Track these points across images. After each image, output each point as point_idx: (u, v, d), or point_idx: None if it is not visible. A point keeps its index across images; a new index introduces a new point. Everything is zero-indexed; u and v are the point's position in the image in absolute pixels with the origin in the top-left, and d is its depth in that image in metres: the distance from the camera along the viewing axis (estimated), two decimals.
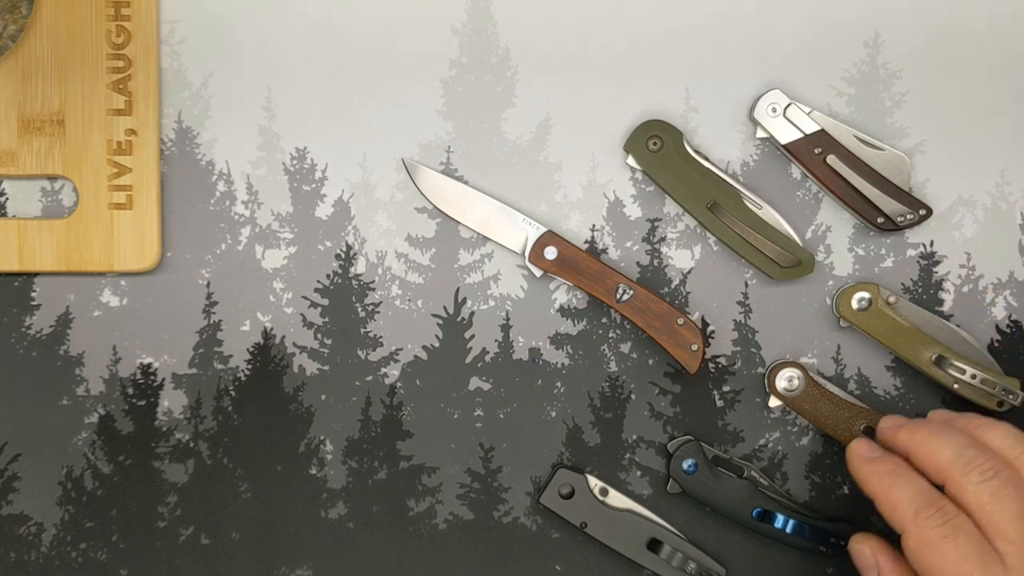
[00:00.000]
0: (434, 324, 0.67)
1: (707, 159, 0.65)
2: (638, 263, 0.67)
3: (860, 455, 0.59)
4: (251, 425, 0.67)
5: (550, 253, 0.65)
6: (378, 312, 0.67)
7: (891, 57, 0.67)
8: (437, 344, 0.67)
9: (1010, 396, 0.65)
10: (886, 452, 0.59)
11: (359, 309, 0.67)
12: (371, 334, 0.67)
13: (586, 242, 0.67)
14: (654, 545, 0.66)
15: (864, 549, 0.59)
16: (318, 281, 0.67)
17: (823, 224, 0.67)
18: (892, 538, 0.57)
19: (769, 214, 0.65)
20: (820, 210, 0.67)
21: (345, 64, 0.66)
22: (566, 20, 0.66)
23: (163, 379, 0.66)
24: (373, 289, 0.67)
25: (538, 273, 0.66)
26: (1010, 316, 0.67)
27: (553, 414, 0.67)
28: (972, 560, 0.54)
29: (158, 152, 0.65)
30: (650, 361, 0.67)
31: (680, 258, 0.67)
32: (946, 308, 0.67)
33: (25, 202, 0.66)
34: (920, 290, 0.67)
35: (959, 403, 0.66)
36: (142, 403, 0.66)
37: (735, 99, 0.67)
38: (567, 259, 0.65)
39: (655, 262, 0.67)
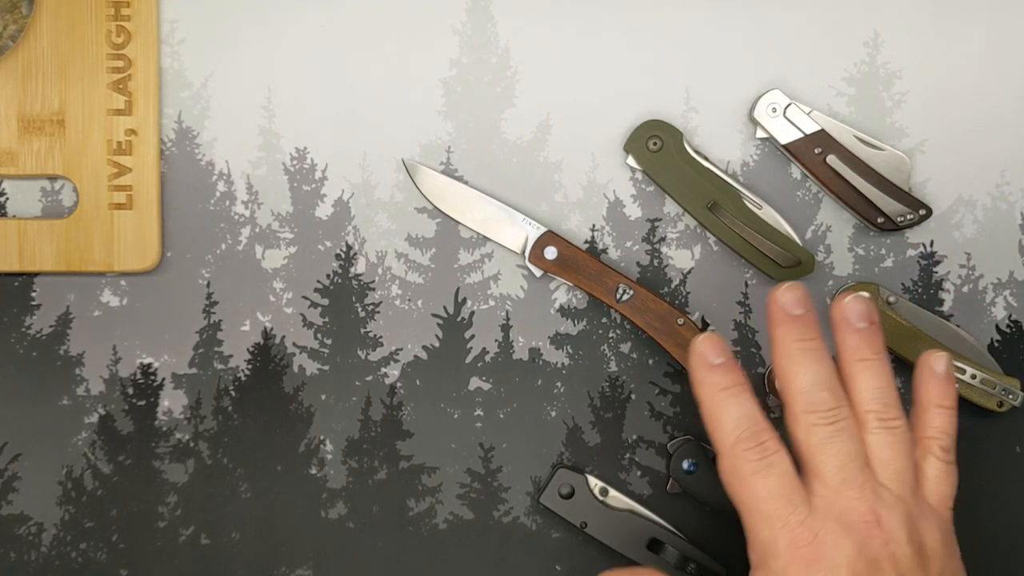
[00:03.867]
0: (434, 324, 0.67)
1: (707, 159, 0.65)
2: (638, 263, 0.67)
3: (703, 356, 0.57)
4: (251, 425, 0.67)
5: (550, 253, 0.65)
6: (378, 312, 0.67)
7: (891, 57, 0.67)
8: (437, 344, 0.67)
9: (1010, 396, 0.65)
10: (731, 361, 0.56)
11: (359, 309, 0.67)
12: (371, 334, 0.67)
13: (586, 242, 0.67)
14: (654, 545, 0.66)
15: None
16: (318, 281, 0.67)
17: (823, 224, 0.67)
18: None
19: (769, 214, 0.65)
20: (820, 210, 0.67)
21: (345, 64, 0.66)
22: (566, 20, 0.66)
23: (163, 379, 0.66)
24: (373, 289, 0.67)
25: (538, 273, 0.66)
26: (1010, 316, 0.67)
27: (553, 414, 0.67)
28: (777, 499, 0.54)
29: (158, 152, 0.65)
30: (650, 361, 0.67)
31: (680, 258, 0.67)
32: (946, 308, 0.67)
33: (25, 202, 0.66)
34: (920, 290, 0.67)
35: (960, 403, 0.66)
36: (142, 403, 0.66)
37: (735, 99, 0.67)
38: (567, 259, 0.65)
39: (655, 262, 0.67)
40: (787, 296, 0.56)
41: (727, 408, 0.56)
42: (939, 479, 0.57)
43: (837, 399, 0.55)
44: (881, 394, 0.56)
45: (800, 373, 0.55)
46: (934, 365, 0.58)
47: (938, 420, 0.57)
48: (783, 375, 0.56)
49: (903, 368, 0.67)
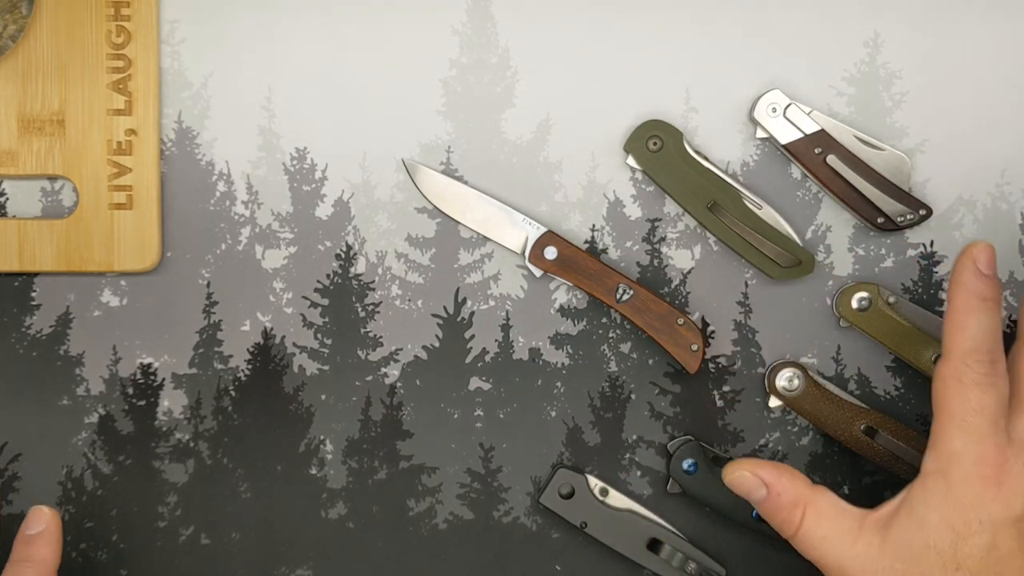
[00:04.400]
0: (434, 324, 0.67)
1: (707, 159, 0.65)
2: (638, 263, 0.67)
3: (974, 261, 0.57)
4: (251, 425, 0.67)
5: (550, 253, 0.65)
6: (378, 312, 0.67)
7: (891, 57, 0.67)
8: (437, 344, 0.67)
9: None
10: (996, 280, 0.57)
11: (359, 309, 0.67)
12: (371, 334, 0.67)
13: (586, 242, 0.67)
14: (654, 545, 0.66)
15: (742, 472, 0.59)
16: (318, 281, 0.67)
17: (823, 224, 0.67)
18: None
19: (769, 214, 0.65)
20: (820, 210, 0.67)
21: (345, 64, 0.66)
22: (566, 20, 0.66)
23: (163, 379, 0.66)
24: (373, 289, 0.67)
25: (538, 273, 0.66)
26: (1010, 316, 0.67)
27: (553, 414, 0.67)
28: (987, 416, 0.55)
29: (158, 152, 0.65)
30: (650, 361, 0.67)
31: (680, 258, 0.67)
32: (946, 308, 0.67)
33: (25, 202, 0.66)
34: (920, 290, 0.67)
35: None
36: (142, 403, 0.66)
37: (735, 99, 0.67)
38: (567, 259, 0.65)
39: (655, 262, 0.67)
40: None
41: (978, 317, 0.56)
42: None
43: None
44: None
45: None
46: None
47: None
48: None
49: (904, 369, 0.67)
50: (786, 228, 0.65)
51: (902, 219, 0.65)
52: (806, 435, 0.67)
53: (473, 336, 0.67)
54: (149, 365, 0.66)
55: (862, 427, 0.65)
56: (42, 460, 0.66)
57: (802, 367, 0.66)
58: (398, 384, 0.67)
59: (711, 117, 0.67)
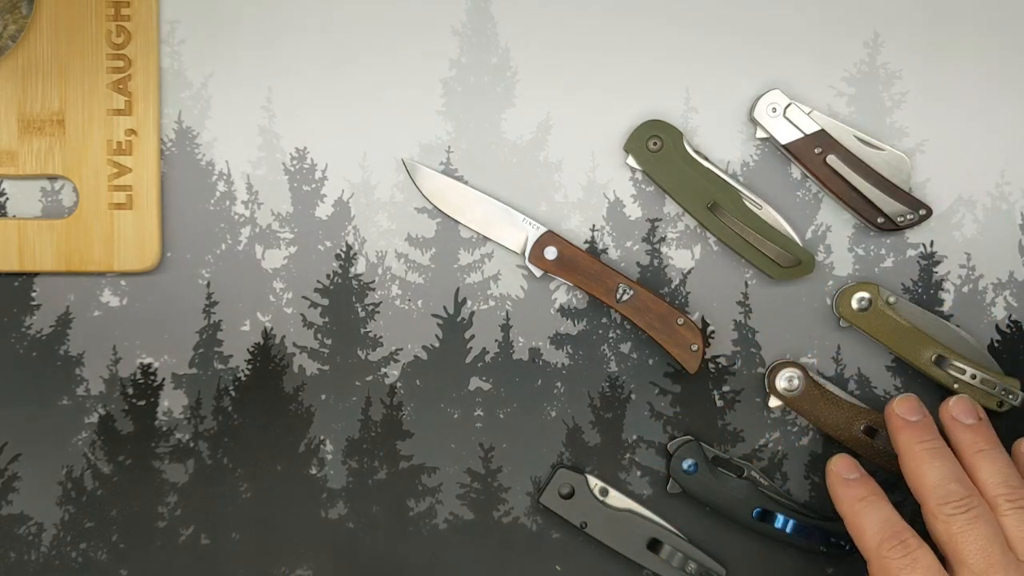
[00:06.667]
0: (434, 324, 0.67)
1: (707, 159, 0.65)
2: (638, 263, 0.67)
3: (838, 475, 0.62)
4: (251, 425, 0.67)
5: (550, 253, 0.65)
6: (378, 312, 0.67)
7: (891, 57, 0.67)
8: (437, 344, 0.67)
9: (1010, 396, 0.65)
10: (863, 475, 0.62)
11: (359, 309, 0.67)
12: (371, 334, 0.67)
13: (586, 242, 0.67)
14: (654, 545, 0.66)
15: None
16: (318, 281, 0.67)
17: (823, 224, 0.67)
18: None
19: (769, 214, 0.65)
20: (820, 210, 0.67)
21: (345, 64, 0.66)
22: (566, 20, 0.66)
23: (163, 379, 0.66)
24: (373, 289, 0.67)
25: (538, 273, 0.66)
26: (1010, 316, 0.67)
27: (553, 414, 0.67)
28: None
29: (158, 152, 0.65)
30: (650, 361, 0.67)
31: (680, 258, 0.67)
32: (946, 308, 0.67)
33: (25, 202, 0.66)
34: (920, 290, 0.67)
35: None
36: (142, 403, 0.66)
37: (735, 99, 0.67)
38: (567, 259, 0.65)
39: (655, 262, 0.67)
40: (903, 406, 0.62)
41: (866, 516, 0.60)
42: None
43: (967, 488, 0.59)
44: (1005, 477, 0.60)
45: (928, 471, 0.60)
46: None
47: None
48: (913, 476, 0.60)
49: (904, 369, 0.67)
50: (786, 228, 0.65)
51: (902, 219, 0.65)
52: (806, 435, 0.67)
53: (473, 336, 0.67)
54: (149, 365, 0.66)
55: (862, 427, 0.66)
56: (42, 460, 0.66)
57: (802, 367, 0.66)
58: (398, 384, 0.67)
59: (711, 117, 0.67)
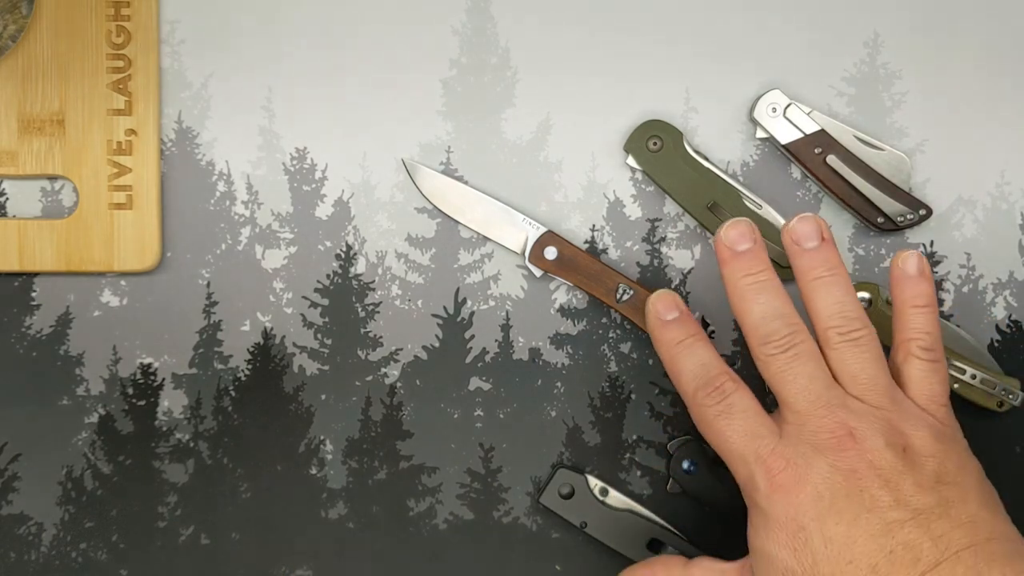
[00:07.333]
0: (434, 324, 0.67)
1: (707, 159, 0.65)
2: (638, 263, 0.67)
3: (657, 314, 0.59)
4: (251, 425, 0.67)
5: (550, 253, 0.65)
6: (378, 312, 0.67)
7: (891, 57, 0.67)
8: (437, 344, 0.67)
9: (1010, 396, 0.65)
10: (683, 313, 0.59)
11: (359, 309, 0.67)
12: (371, 334, 0.67)
13: (586, 242, 0.67)
14: (654, 545, 0.66)
15: None
16: (318, 281, 0.67)
17: None
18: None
19: (769, 214, 0.65)
20: (820, 210, 0.67)
21: (345, 64, 0.66)
22: (566, 20, 0.66)
23: (163, 379, 0.66)
24: (373, 289, 0.67)
25: (538, 273, 0.66)
26: (1010, 316, 0.67)
27: (553, 414, 0.67)
28: (743, 436, 0.55)
29: (158, 152, 0.65)
30: (650, 361, 0.67)
31: (680, 258, 0.67)
32: (946, 308, 0.67)
33: (25, 202, 0.66)
34: None
35: (959, 403, 0.66)
36: (142, 403, 0.66)
37: (735, 99, 0.67)
38: (567, 259, 0.65)
39: (655, 262, 0.67)
40: (732, 232, 0.57)
41: (683, 360, 0.58)
42: (923, 378, 0.57)
43: (789, 325, 0.56)
44: (840, 308, 0.56)
45: (751, 308, 0.57)
46: (904, 266, 0.58)
47: (916, 320, 0.58)
48: (737, 313, 0.57)
49: None
50: None
51: (902, 219, 0.65)
52: None
53: (473, 336, 0.67)
54: (149, 365, 0.66)
55: None
56: (42, 460, 0.66)
57: None
58: (398, 384, 0.67)
59: (711, 117, 0.67)
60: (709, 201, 0.65)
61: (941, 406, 0.57)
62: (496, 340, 0.67)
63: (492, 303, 0.67)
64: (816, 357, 0.56)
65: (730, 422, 0.56)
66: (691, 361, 0.58)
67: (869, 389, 0.55)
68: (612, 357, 0.67)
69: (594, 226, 0.67)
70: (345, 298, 0.67)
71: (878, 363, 0.56)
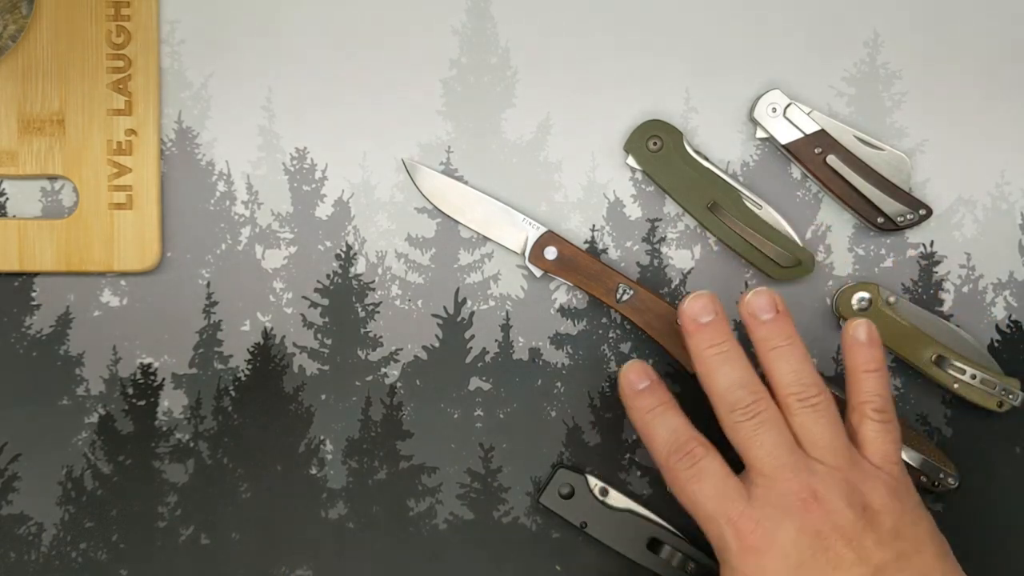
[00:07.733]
0: (434, 324, 0.67)
1: (707, 159, 0.65)
2: (638, 263, 0.67)
3: (629, 384, 0.61)
4: (251, 425, 0.67)
5: (550, 253, 0.65)
6: (378, 312, 0.67)
7: (891, 57, 0.67)
8: (437, 344, 0.67)
9: (1010, 396, 0.65)
10: (654, 382, 0.61)
11: (359, 309, 0.67)
12: (371, 334, 0.67)
13: (586, 242, 0.67)
14: (654, 545, 0.66)
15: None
16: (318, 281, 0.67)
17: (823, 224, 0.67)
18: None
19: (769, 214, 0.65)
20: (820, 210, 0.67)
21: (345, 64, 0.66)
22: (566, 20, 0.66)
23: (163, 379, 0.66)
24: (373, 289, 0.67)
25: (538, 273, 0.66)
26: (1010, 316, 0.67)
27: (553, 414, 0.67)
28: (714, 499, 0.58)
29: (158, 152, 0.65)
30: (650, 361, 0.67)
31: (680, 258, 0.67)
32: (946, 308, 0.67)
33: (25, 202, 0.66)
34: (920, 290, 0.67)
35: (959, 403, 0.66)
36: (142, 403, 0.66)
37: (735, 99, 0.67)
38: (567, 259, 0.65)
39: (655, 262, 0.67)
40: (695, 305, 0.60)
41: (655, 427, 0.60)
42: (877, 439, 0.59)
43: (754, 394, 0.59)
44: (797, 376, 0.59)
45: (717, 377, 0.59)
46: (855, 333, 0.61)
47: (867, 384, 0.60)
48: (704, 382, 0.60)
49: (904, 368, 0.67)
50: (786, 228, 0.65)
51: (902, 219, 0.65)
52: None
53: (473, 336, 0.67)
54: (149, 365, 0.66)
55: None
56: (42, 460, 0.66)
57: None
58: (398, 384, 0.67)
59: (711, 117, 0.67)
60: (709, 201, 0.65)
61: (894, 464, 0.59)
62: (496, 340, 0.67)
63: (492, 303, 0.67)
64: (779, 423, 0.59)
65: (701, 485, 0.58)
66: (663, 428, 0.60)
67: (828, 451, 0.58)
68: (612, 357, 0.67)
69: (594, 226, 0.67)
70: (345, 298, 0.67)
71: (835, 426, 0.59)
